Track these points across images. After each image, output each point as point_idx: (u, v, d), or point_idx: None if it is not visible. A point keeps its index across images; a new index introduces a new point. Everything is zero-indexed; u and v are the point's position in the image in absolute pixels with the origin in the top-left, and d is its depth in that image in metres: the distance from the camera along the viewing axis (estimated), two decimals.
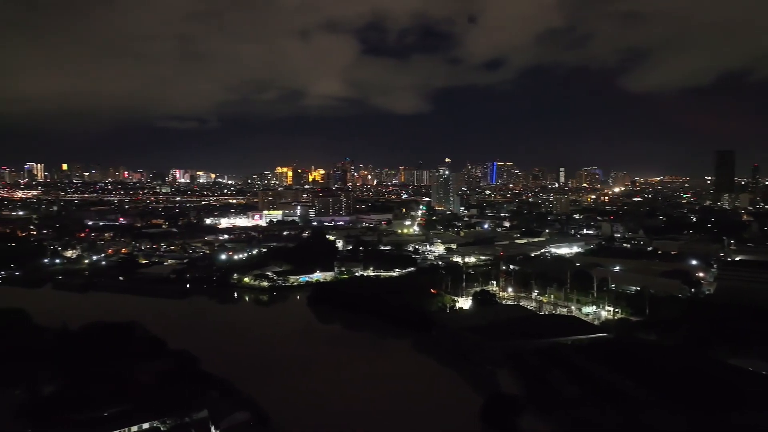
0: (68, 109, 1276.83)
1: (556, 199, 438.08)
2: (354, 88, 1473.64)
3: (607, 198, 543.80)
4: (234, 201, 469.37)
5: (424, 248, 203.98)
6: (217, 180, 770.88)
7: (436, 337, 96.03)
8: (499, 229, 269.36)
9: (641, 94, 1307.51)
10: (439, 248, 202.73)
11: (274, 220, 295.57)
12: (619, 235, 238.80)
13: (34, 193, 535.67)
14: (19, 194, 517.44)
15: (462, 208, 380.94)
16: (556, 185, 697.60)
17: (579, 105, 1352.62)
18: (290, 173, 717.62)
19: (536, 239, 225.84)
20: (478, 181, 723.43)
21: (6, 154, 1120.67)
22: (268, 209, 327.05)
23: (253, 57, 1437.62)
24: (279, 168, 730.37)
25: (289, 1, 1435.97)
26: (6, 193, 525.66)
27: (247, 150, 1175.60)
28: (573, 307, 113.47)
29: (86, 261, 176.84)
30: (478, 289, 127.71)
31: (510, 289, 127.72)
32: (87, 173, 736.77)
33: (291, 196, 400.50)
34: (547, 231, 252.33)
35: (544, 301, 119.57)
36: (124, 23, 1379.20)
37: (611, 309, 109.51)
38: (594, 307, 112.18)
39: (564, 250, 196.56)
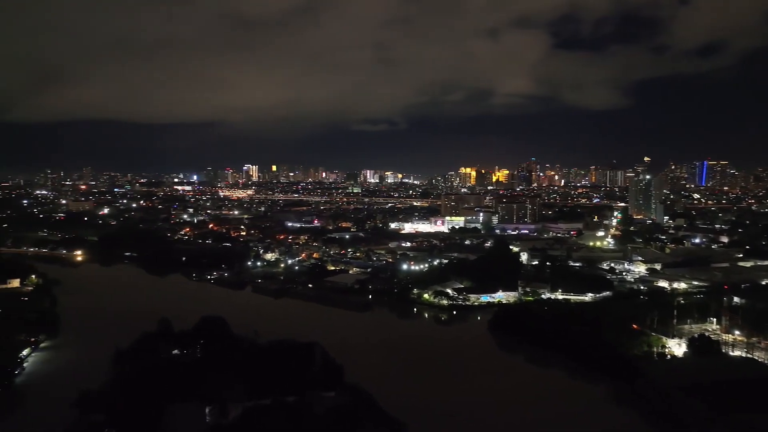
0: (278, 116, 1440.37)
1: None
2: (543, 84, 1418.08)
3: None
4: (418, 203, 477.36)
5: (620, 267, 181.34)
6: (403, 180, 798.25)
7: (641, 392, 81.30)
8: (714, 246, 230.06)
9: None
10: (640, 268, 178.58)
11: (456, 227, 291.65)
12: None
13: (249, 192, 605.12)
14: (237, 194, 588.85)
15: (666, 217, 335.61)
16: None
17: None
18: (473, 174, 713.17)
19: (767, 262, 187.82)
20: (683, 183, 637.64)
21: (229, 157, 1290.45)
22: (450, 215, 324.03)
23: (442, 59, 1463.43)
24: (462, 168, 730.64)
25: (479, 1, 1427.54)
26: (227, 192, 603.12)
27: (432, 150, 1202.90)
28: None
29: (282, 265, 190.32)
30: (692, 327, 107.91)
31: (737, 332, 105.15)
32: (291, 174, 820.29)
33: (473, 200, 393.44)
34: None
35: None
36: (325, 36, 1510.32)
37: None
38: None
39: None
